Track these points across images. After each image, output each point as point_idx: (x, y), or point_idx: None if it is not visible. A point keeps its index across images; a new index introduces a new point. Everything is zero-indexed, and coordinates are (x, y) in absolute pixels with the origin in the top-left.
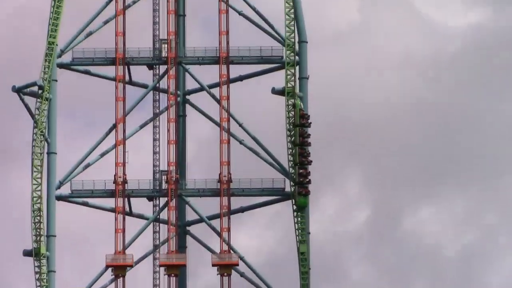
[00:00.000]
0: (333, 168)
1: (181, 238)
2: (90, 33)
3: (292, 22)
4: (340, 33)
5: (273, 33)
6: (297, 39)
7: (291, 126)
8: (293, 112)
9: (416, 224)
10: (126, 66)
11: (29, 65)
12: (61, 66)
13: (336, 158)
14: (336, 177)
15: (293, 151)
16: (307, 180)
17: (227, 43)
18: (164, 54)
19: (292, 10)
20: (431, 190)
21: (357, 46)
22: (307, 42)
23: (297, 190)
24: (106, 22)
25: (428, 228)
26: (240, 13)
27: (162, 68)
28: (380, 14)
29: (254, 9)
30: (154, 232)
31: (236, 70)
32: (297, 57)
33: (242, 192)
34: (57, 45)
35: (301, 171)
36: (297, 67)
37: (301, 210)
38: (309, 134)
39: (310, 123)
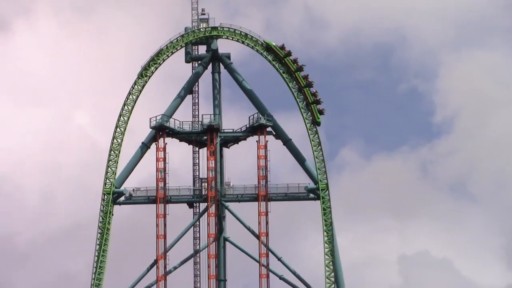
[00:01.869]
0: None
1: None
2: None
3: (333, 286)
4: None
5: None
6: None
7: None
8: None
9: None
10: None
11: None
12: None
13: None
14: None
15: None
16: None
17: None
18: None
19: (333, 274)
20: None
21: None
22: None
23: None
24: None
25: None
26: (280, 278)
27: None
28: (420, 276)
29: (294, 273)
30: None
31: None
32: None
33: None
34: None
35: None
36: None
37: None
38: None
39: None
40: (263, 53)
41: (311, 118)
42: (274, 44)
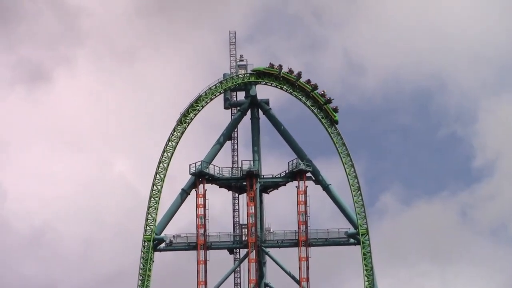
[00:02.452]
0: None
1: None
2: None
3: None
4: None
5: None
6: None
7: None
8: None
9: None
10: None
11: None
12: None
13: None
14: None
15: None
16: None
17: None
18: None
19: None
20: None
21: None
22: None
23: None
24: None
25: None
26: None
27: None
28: None
29: None
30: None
31: None
32: None
33: None
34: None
35: None
36: None
37: None
38: None
39: None
40: (301, 98)
41: (350, 163)
42: (263, 68)
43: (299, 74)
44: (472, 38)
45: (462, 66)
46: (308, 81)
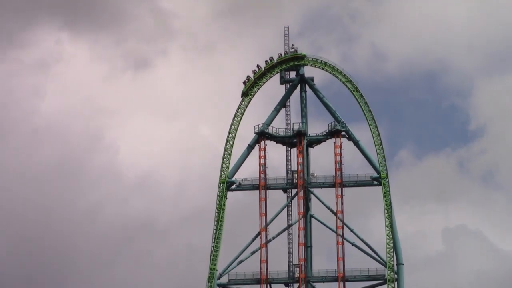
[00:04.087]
0: None
1: None
2: (241, 261)
3: (392, 250)
4: (428, 259)
5: (378, 258)
6: (395, 262)
7: None
8: None
9: None
10: (268, 285)
11: (197, 285)
12: (220, 285)
13: None
14: None
15: None
16: None
17: (344, 266)
18: (296, 275)
19: (392, 242)
20: None
21: (442, 269)
22: (403, 264)
23: None
24: (253, 253)
25: None
26: (353, 244)
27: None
28: (460, 245)
29: (363, 240)
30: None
31: (350, 286)
32: (395, 275)
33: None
34: (216, 270)
35: None
36: (396, 283)
37: None
38: None
39: None
40: (338, 76)
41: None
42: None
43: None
44: (468, 31)
45: (461, 53)
46: None
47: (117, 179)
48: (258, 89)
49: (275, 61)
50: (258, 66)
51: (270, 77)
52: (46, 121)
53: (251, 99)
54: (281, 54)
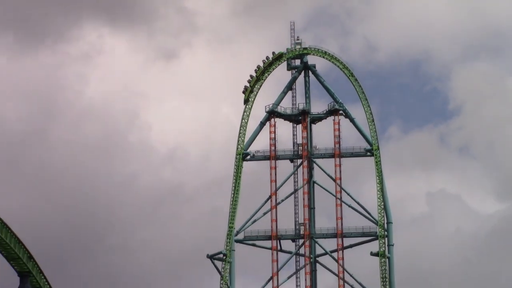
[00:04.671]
0: None
1: None
2: (254, 220)
3: (382, 211)
4: (413, 218)
5: (370, 217)
6: (385, 221)
7: (384, 274)
8: (384, 266)
9: None
10: (278, 240)
11: (217, 241)
12: (237, 241)
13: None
14: None
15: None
16: None
17: (342, 224)
18: (301, 232)
19: (382, 204)
20: None
21: (425, 227)
22: (392, 223)
23: None
24: (265, 213)
25: None
26: (349, 206)
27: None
28: (441, 207)
29: (358, 203)
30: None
31: (347, 241)
32: (385, 232)
33: None
34: (234, 228)
35: None
36: (386, 239)
37: None
38: None
39: None
40: (336, 63)
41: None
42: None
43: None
44: (448, 26)
45: (441, 44)
46: None
47: (150, 152)
48: (269, 74)
49: (284, 53)
50: (267, 57)
51: (279, 65)
52: (90, 103)
53: (262, 83)
54: (288, 49)
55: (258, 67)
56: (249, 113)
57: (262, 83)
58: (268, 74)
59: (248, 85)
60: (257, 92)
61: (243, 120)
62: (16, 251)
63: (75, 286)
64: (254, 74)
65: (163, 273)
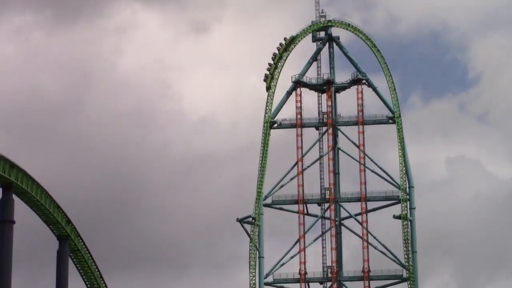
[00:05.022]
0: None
1: None
2: (282, 186)
3: (404, 175)
4: (434, 183)
5: (393, 182)
6: (407, 185)
7: (406, 236)
8: (406, 228)
9: None
10: (304, 204)
11: (246, 205)
12: (265, 205)
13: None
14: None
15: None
16: None
17: (365, 189)
18: (327, 196)
19: (404, 169)
20: None
21: (445, 191)
22: (413, 187)
23: None
24: (292, 179)
25: None
26: (372, 171)
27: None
28: (460, 172)
29: (381, 168)
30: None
31: (371, 205)
32: (407, 196)
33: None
34: (262, 193)
35: None
36: (408, 202)
37: None
38: None
39: None
40: (359, 35)
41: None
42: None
43: None
44: None
45: (460, 15)
46: None
47: (182, 121)
48: (295, 45)
49: (295, 36)
50: (280, 43)
51: (304, 37)
52: (124, 74)
53: (289, 54)
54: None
55: (275, 54)
56: (276, 83)
57: (289, 54)
58: (294, 46)
59: (268, 72)
60: (284, 63)
61: (270, 90)
62: (55, 215)
63: (112, 248)
64: (277, 51)
65: (195, 236)
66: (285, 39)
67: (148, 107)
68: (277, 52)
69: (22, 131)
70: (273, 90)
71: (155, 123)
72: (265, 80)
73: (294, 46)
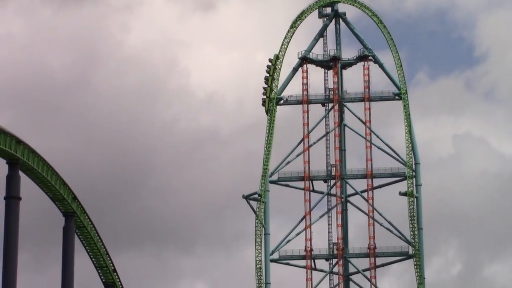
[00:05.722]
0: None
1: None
2: (288, 162)
3: (410, 152)
4: (440, 160)
5: (399, 158)
6: (413, 162)
7: (412, 213)
8: (412, 205)
9: None
10: (310, 181)
11: (252, 182)
12: (271, 182)
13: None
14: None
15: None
16: None
17: (371, 165)
18: (333, 173)
19: (410, 145)
20: None
21: (452, 168)
22: (420, 164)
23: None
24: (298, 155)
25: None
26: (378, 148)
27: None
28: (467, 149)
29: (386, 144)
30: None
31: (377, 182)
32: (413, 173)
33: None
34: (268, 169)
35: None
36: (414, 179)
37: None
38: None
39: None
40: (366, 11)
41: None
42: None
43: None
44: None
45: None
46: None
47: (189, 98)
48: (302, 21)
49: (316, 6)
50: (270, 59)
51: (311, 13)
52: (131, 51)
53: (295, 31)
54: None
55: (266, 77)
56: (283, 60)
57: (295, 30)
58: (301, 22)
59: (265, 96)
60: (290, 39)
61: (277, 66)
62: (61, 192)
63: (118, 225)
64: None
65: (201, 212)
66: (270, 60)
67: (155, 84)
68: (267, 74)
69: (29, 108)
70: (279, 67)
71: (162, 100)
72: (263, 105)
73: (301, 22)
